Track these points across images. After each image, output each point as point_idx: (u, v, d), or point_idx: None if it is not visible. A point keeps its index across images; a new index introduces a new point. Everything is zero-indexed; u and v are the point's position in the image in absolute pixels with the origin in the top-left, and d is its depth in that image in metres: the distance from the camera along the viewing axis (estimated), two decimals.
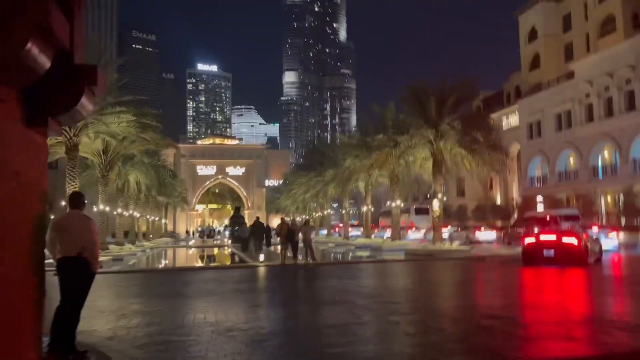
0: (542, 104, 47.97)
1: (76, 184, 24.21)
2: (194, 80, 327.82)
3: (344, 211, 46.05)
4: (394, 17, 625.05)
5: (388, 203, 45.49)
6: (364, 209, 40.81)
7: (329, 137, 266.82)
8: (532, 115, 49.65)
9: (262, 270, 19.34)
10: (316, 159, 50.21)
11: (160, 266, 25.72)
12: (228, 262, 28.55)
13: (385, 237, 47.59)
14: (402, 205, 35.21)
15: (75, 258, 6.05)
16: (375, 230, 49.02)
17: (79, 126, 23.16)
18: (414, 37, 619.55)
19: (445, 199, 29.76)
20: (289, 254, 20.92)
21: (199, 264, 28.37)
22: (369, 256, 28.17)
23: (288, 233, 20.74)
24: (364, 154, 33.58)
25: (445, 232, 43.32)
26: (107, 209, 29.37)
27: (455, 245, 27.54)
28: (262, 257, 21.65)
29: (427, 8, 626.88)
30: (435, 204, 27.32)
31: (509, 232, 35.85)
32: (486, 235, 38.28)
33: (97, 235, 6.44)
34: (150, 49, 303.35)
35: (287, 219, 28.75)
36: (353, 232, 47.48)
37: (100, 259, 23.67)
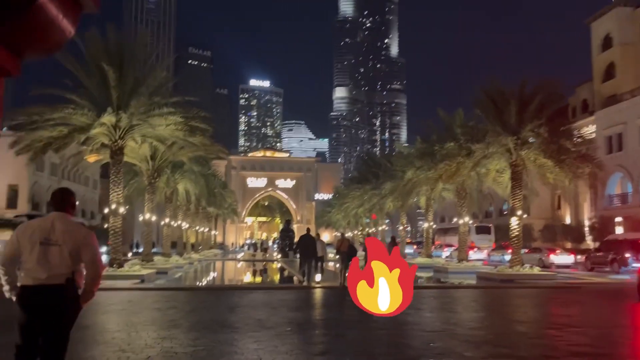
0: (624, 115, 43.40)
1: (120, 191, 22.51)
2: (246, 96, 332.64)
3: (400, 227, 42.93)
4: (447, 32, 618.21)
5: (454, 220, 42.05)
6: (425, 225, 37.61)
7: (378, 152, 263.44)
8: (612, 127, 45.10)
9: (319, 293, 16.73)
10: (371, 171, 47.40)
11: (204, 283, 23.57)
12: (279, 280, 26.20)
13: (444, 257, 44.19)
14: (470, 222, 31.86)
15: (61, 287, 3.78)
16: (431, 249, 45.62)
17: (124, 127, 21.49)
18: (467, 52, 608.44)
19: (525, 216, 26.26)
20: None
21: (248, 281, 26.13)
22: (439, 279, 25.24)
23: (349, 250, 18.11)
24: (427, 165, 30.53)
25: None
26: (154, 218, 27.71)
27: (537, 269, 24.02)
28: (317, 276, 19.04)
29: (481, 23, 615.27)
30: (514, 222, 23.96)
31: (591, 256, 31.83)
32: (563, 258, 34.20)
33: (99, 251, 4.10)
34: (205, 65, 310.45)
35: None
36: (406, 249, 44.24)
37: (145, 272, 21.83)
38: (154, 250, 38.68)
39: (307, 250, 18.47)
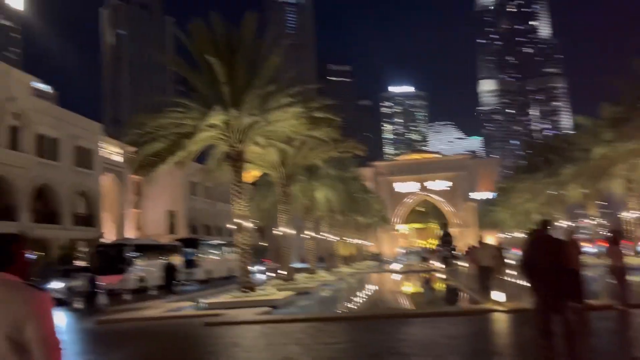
0: None
1: (245, 203, 19.44)
2: (389, 104, 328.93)
3: (589, 221, 34.58)
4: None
5: None
6: (629, 215, 29.16)
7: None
8: None
9: (505, 321, 11.32)
10: (543, 156, 39.48)
11: (346, 307, 18.50)
12: (444, 301, 20.99)
13: None
14: None
15: None
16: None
17: (239, 127, 18.40)
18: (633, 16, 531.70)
19: None
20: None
21: (403, 302, 21.18)
22: None
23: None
24: (626, 134, 23.05)
25: None
26: (289, 230, 24.49)
27: None
28: (498, 295, 13.55)
29: None
30: None
31: None
32: None
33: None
34: (345, 79, 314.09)
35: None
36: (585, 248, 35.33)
37: (280, 295, 18.05)
38: (303, 265, 35.95)
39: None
